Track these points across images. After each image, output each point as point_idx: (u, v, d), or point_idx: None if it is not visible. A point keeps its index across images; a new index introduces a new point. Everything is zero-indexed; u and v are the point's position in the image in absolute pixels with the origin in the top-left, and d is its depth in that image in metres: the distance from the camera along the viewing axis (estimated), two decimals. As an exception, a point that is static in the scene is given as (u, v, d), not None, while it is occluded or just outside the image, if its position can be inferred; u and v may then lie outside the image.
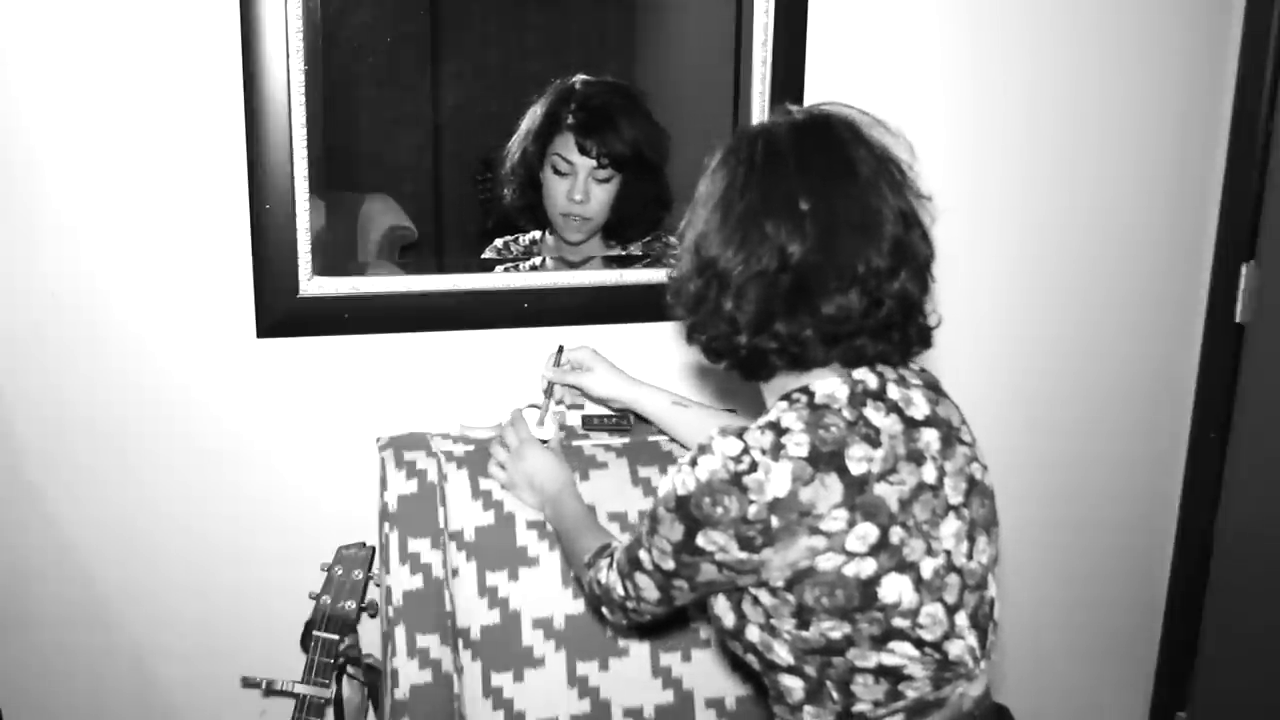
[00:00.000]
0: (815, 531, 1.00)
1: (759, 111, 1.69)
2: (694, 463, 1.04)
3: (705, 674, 1.52)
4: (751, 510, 1.00)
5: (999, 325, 1.94)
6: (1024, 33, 1.84)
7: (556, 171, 1.67)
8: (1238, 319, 2.02)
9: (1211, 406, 2.06)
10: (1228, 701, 2.10)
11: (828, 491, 1.01)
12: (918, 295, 1.07)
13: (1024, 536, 1.99)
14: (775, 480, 1.00)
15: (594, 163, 1.66)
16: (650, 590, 1.13)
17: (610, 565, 1.20)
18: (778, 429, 1.03)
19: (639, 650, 1.50)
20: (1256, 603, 2.03)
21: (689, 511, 1.03)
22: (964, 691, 1.09)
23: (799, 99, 1.70)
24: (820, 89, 1.72)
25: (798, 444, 1.02)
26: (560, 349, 1.54)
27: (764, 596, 1.05)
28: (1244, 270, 1.99)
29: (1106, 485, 2.08)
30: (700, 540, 1.03)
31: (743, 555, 1.02)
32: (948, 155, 1.84)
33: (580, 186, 1.67)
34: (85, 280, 1.52)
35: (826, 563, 1.01)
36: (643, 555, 1.12)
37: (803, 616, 1.03)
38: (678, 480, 1.05)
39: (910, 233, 1.06)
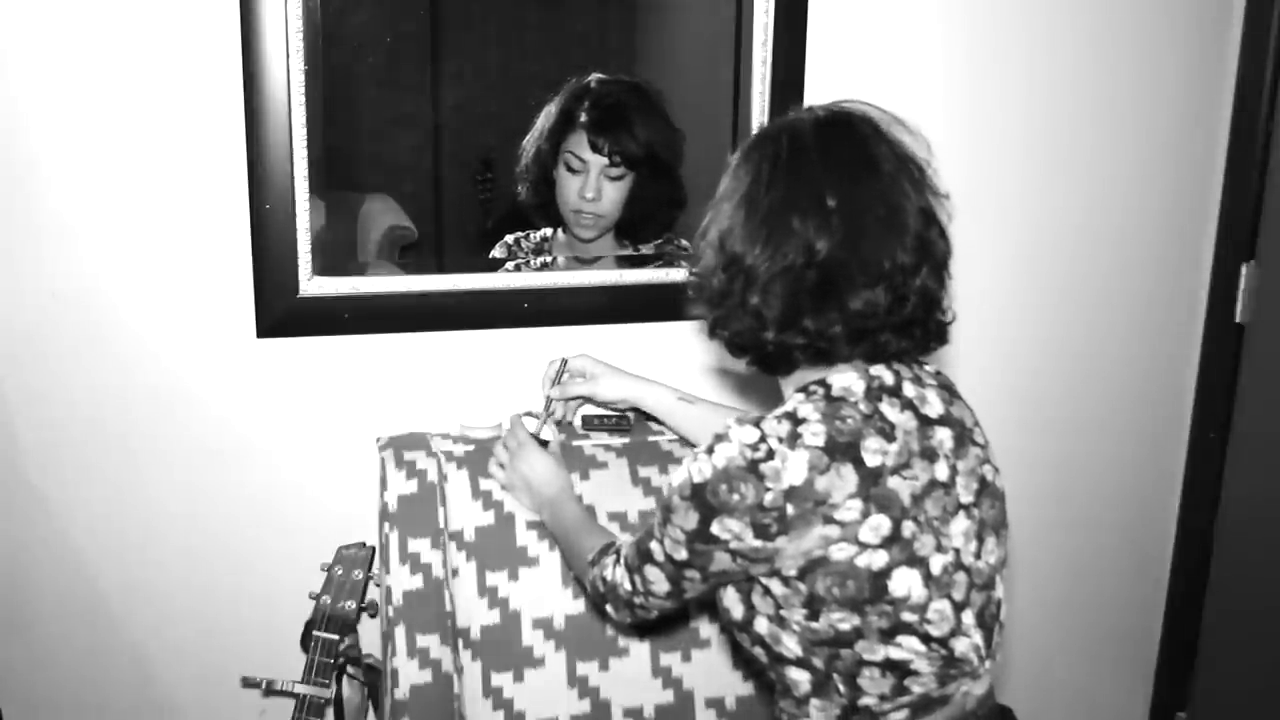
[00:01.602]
0: (829, 521, 1.01)
1: (759, 111, 1.69)
2: (710, 450, 1.04)
3: (705, 674, 1.52)
4: (767, 498, 1.01)
5: (998, 325, 1.94)
6: (1023, 33, 1.84)
7: (569, 169, 1.68)
8: (1238, 319, 2.02)
9: (1211, 406, 2.06)
10: (1228, 701, 2.10)
11: (843, 481, 1.01)
12: (937, 292, 1.08)
13: (1024, 536, 1.99)
14: (791, 468, 1.01)
15: (606, 160, 1.66)
16: (661, 583, 1.13)
17: (617, 561, 1.20)
18: (794, 419, 1.04)
19: (639, 650, 1.50)
20: (1256, 602, 2.03)
21: (705, 499, 1.03)
22: (968, 690, 1.09)
23: (799, 99, 1.70)
24: (820, 89, 1.72)
25: (814, 434, 1.03)
26: (564, 362, 1.55)
27: (775, 586, 1.05)
28: (1244, 270, 1.99)
29: (1106, 485, 2.08)
30: (715, 528, 1.04)
31: (757, 543, 1.02)
32: (947, 155, 1.82)
33: (592, 184, 1.67)
34: (86, 280, 1.52)
35: (839, 553, 1.01)
36: (654, 547, 1.12)
37: (813, 607, 1.04)
38: (694, 468, 1.05)
39: (930, 230, 1.07)
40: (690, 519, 1.05)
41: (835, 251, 1.02)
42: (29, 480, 1.57)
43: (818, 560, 1.02)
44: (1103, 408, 2.05)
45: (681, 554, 1.08)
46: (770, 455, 1.02)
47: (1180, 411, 2.10)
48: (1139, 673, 2.21)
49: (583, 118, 1.66)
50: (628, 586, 1.17)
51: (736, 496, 1.02)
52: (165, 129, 1.50)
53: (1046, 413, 2.01)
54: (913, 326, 1.08)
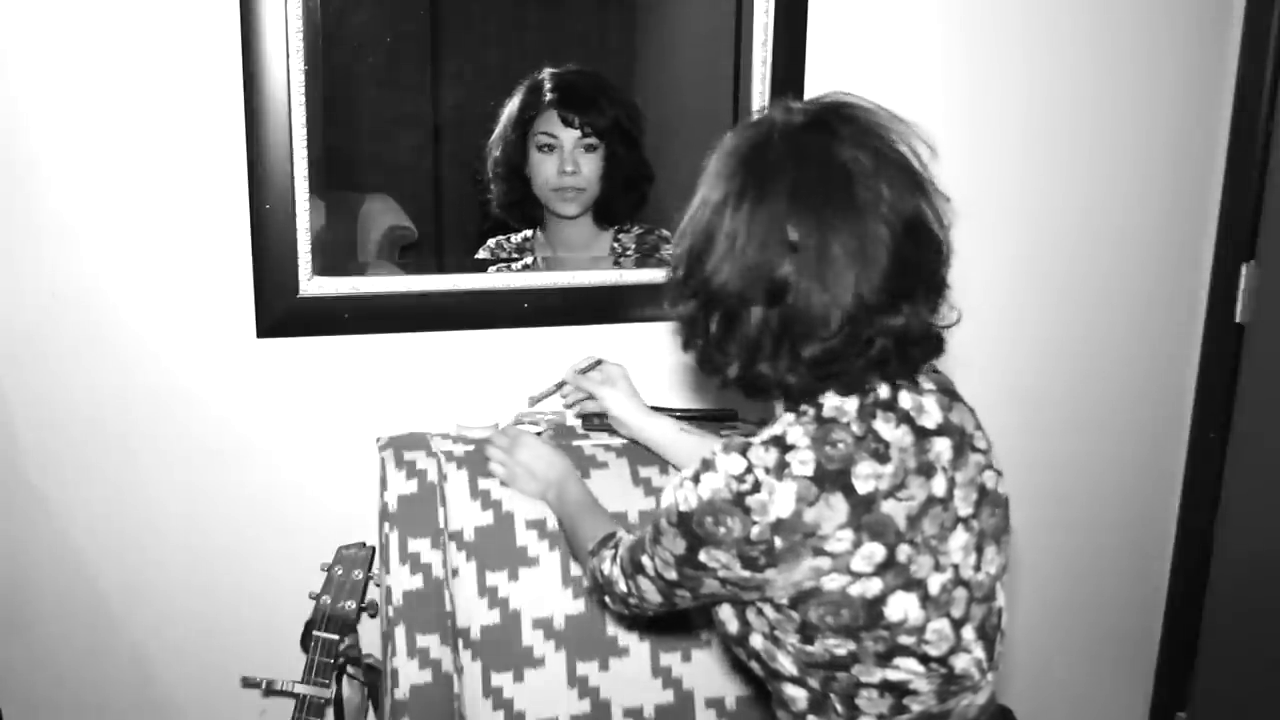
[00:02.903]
0: (820, 553, 0.98)
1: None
2: (697, 479, 1.02)
3: (705, 674, 1.52)
4: (754, 531, 0.98)
5: (998, 325, 1.94)
6: (1024, 33, 1.84)
7: (541, 150, 1.70)
8: (1238, 319, 2.01)
9: (1211, 406, 2.06)
10: (1228, 701, 2.10)
11: (833, 512, 0.98)
12: (917, 326, 1.01)
13: (1024, 537, 1.99)
14: (779, 501, 0.98)
15: (578, 133, 1.69)
16: (653, 594, 1.13)
17: (614, 559, 1.19)
18: (783, 445, 1.00)
19: (639, 650, 1.50)
20: (1256, 602, 2.03)
21: (691, 528, 1.02)
22: (969, 702, 1.08)
23: (799, 99, 1.70)
24: (820, 88, 1.71)
25: (803, 462, 0.99)
26: (599, 361, 1.56)
27: (768, 610, 1.04)
28: (1244, 270, 1.99)
29: (1106, 485, 2.08)
30: (702, 556, 1.02)
31: (746, 574, 1.01)
32: (947, 155, 1.82)
33: (569, 158, 1.70)
34: (85, 280, 1.52)
35: (831, 583, 0.99)
36: (645, 561, 1.11)
37: (807, 633, 1.02)
38: (679, 496, 1.03)
39: (919, 248, 0.99)
40: (678, 545, 1.04)
41: (797, 293, 0.97)
42: (29, 480, 1.57)
43: (809, 591, 1.00)
44: (1103, 408, 2.05)
45: (671, 574, 1.07)
46: (756, 488, 0.98)
47: (1180, 411, 2.10)
48: (1139, 673, 2.21)
49: (549, 97, 1.69)
50: (622, 588, 1.17)
51: (722, 530, 0.99)
52: (165, 129, 1.50)
53: (1046, 413, 2.01)
54: (885, 364, 1.02)
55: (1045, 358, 2.00)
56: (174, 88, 1.49)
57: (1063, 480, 2.05)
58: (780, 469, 0.99)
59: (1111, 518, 2.10)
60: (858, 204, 0.97)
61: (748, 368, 1.03)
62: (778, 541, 0.98)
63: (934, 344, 1.06)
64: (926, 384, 1.09)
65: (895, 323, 0.99)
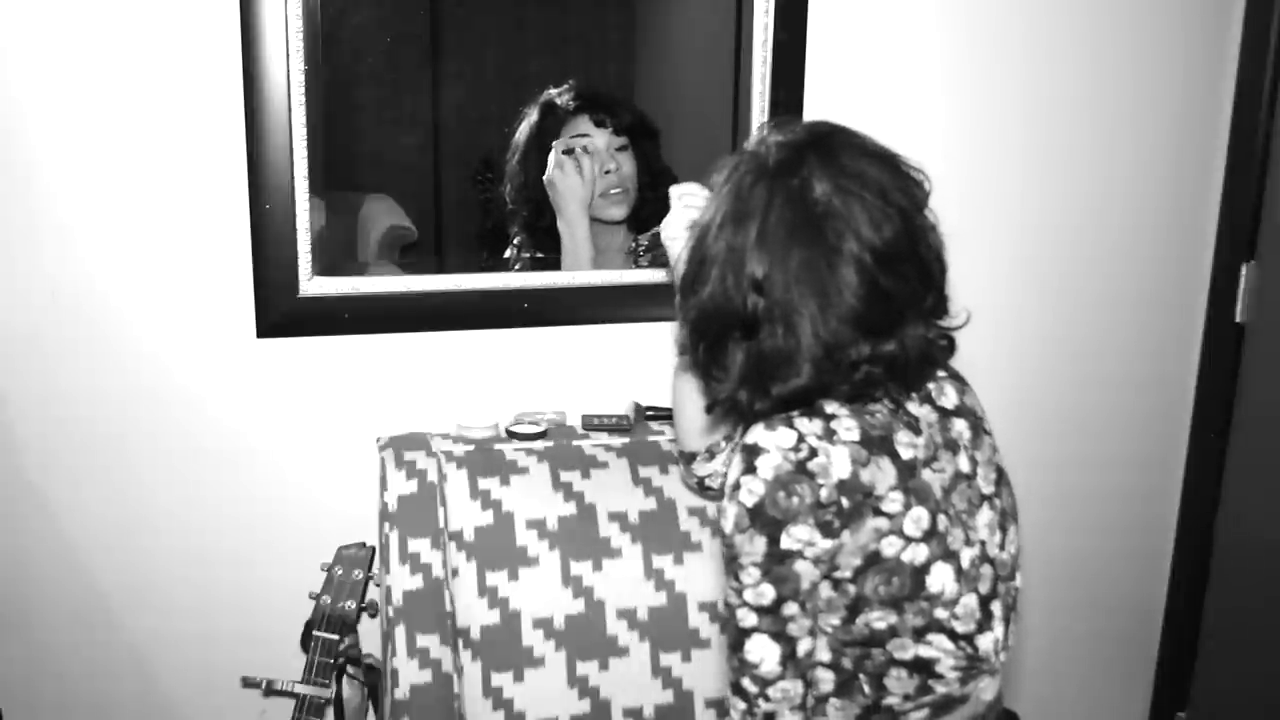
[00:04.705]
0: (878, 513, 1.01)
1: (759, 112, 1.69)
2: (751, 469, 1.01)
3: (705, 674, 1.52)
4: (824, 494, 0.99)
5: (998, 326, 1.94)
6: (1024, 34, 1.84)
7: (569, 153, 1.70)
8: (1238, 319, 2.01)
9: (1211, 406, 2.06)
10: (1228, 701, 2.10)
11: (883, 474, 1.02)
12: (915, 345, 1.02)
13: (1024, 537, 1.99)
14: (836, 463, 1.00)
15: (610, 131, 1.71)
16: (768, 653, 1.03)
17: (733, 688, 1.07)
18: (824, 415, 1.03)
19: (639, 650, 1.50)
20: (1256, 603, 2.03)
21: (765, 514, 1.00)
22: (985, 687, 1.10)
23: (799, 99, 1.70)
24: (820, 90, 1.72)
25: (848, 429, 1.02)
26: None
27: (824, 590, 1.03)
28: (1244, 270, 1.99)
29: (1107, 485, 2.08)
30: (785, 542, 1.00)
31: (827, 544, 1.00)
32: (947, 156, 1.84)
33: (607, 159, 1.72)
34: (85, 280, 1.52)
35: (889, 548, 1.01)
36: (741, 615, 1.03)
37: (856, 608, 1.03)
38: (741, 496, 1.01)
39: (901, 278, 1.00)
40: (758, 545, 1.00)
41: (765, 334, 0.99)
42: (29, 480, 1.57)
43: (872, 555, 1.01)
44: (1103, 408, 2.05)
45: (767, 590, 1.01)
46: (814, 453, 1.00)
47: (1180, 411, 2.10)
48: (1139, 673, 2.21)
49: (572, 106, 1.69)
50: (742, 704, 1.05)
51: (795, 500, 0.99)
52: (165, 129, 1.50)
53: (1047, 413, 2.01)
54: (873, 387, 1.03)
55: (1045, 358, 2.00)
56: (174, 88, 1.50)
57: (1063, 480, 2.05)
58: (829, 435, 1.02)
59: (1111, 518, 2.11)
60: (825, 245, 0.98)
61: (732, 393, 1.04)
62: (844, 502, 1.00)
63: (939, 354, 1.08)
64: (940, 372, 1.14)
65: (886, 349, 1.01)
